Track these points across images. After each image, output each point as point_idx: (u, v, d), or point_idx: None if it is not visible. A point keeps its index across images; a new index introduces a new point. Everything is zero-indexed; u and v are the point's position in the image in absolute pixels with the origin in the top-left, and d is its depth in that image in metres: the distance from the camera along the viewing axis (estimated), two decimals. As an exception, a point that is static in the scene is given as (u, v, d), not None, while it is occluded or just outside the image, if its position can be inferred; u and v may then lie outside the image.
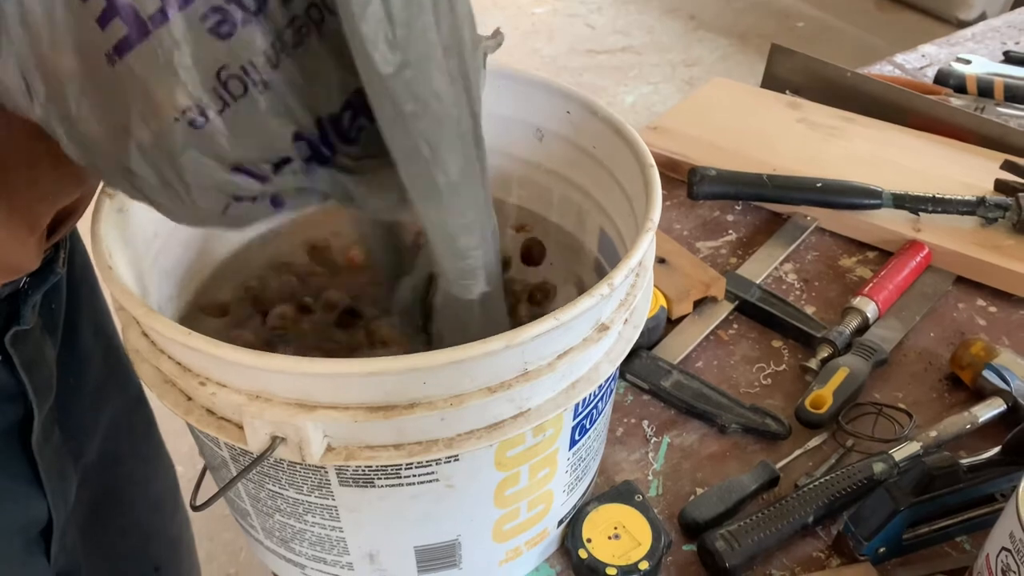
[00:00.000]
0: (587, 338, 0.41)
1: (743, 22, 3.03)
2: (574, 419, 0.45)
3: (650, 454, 0.60)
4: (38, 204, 0.45)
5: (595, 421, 0.48)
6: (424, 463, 0.40)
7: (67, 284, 0.57)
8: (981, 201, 0.74)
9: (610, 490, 0.54)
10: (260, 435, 0.38)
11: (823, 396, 0.61)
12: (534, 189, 0.60)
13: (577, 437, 0.46)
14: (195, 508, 0.44)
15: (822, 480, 0.55)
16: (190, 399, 0.41)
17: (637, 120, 2.51)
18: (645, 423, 0.62)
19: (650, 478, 0.59)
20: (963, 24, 2.78)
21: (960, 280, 0.73)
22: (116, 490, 0.67)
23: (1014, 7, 2.72)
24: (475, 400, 0.38)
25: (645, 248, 0.42)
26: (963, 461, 0.51)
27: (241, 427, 0.39)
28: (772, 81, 1.01)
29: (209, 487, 0.52)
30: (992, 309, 0.71)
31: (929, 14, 2.91)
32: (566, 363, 0.40)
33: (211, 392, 0.38)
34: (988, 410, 0.60)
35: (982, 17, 2.76)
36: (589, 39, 2.98)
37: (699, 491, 0.57)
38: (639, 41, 2.99)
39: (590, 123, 0.53)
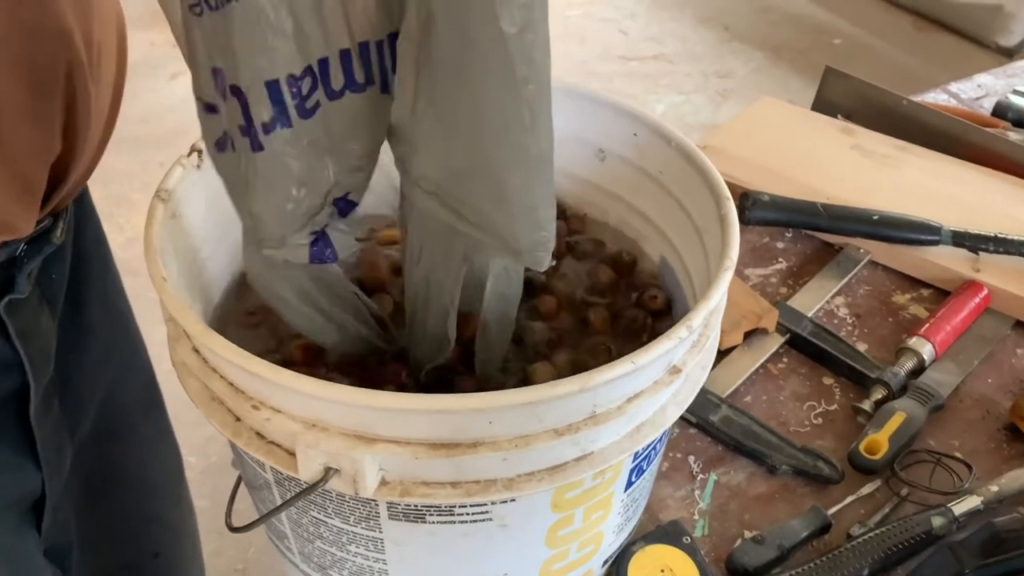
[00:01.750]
0: (658, 381, 0.39)
1: (778, 35, 2.99)
2: (633, 461, 0.43)
3: (696, 492, 0.58)
4: (35, 161, 0.44)
5: (652, 462, 0.46)
6: (480, 502, 0.38)
7: (74, 257, 0.56)
8: (1045, 244, 0.72)
9: (657, 530, 0.52)
10: (313, 465, 0.36)
11: (878, 441, 0.59)
12: (589, 211, 0.58)
13: (634, 479, 0.44)
14: (233, 530, 0.43)
15: (878, 532, 0.53)
16: (239, 420, 0.39)
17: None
18: (691, 459, 0.60)
19: (696, 517, 0.57)
20: (1002, 50, 2.74)
21: (1019, 324, 0.71)
22: (114, 468, 0.66)
23: (1056, 35, 2.68)
24: (541, 443, 0.36)
25: (724, 289, 0.40)
26: (1031, 523, 0.49)
27: (292, 454, 0.37)
28: (823, 104, 0.98)
29: (244, 502, 0.50)
30: (1052, 357, 0.69)
31: (968, 37, 2.87)
32: (635, 406, 0.38)
33: (265, 417, 0.36)
34: (1051, 466, 0.57)
35: (1023, 44, 2.72)
36: (621, 45, 2.96)
37: (747, 534, 0.55)
38: (672, 49, 2.96)
39: (659, 148, 0.51)
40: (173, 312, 0.37)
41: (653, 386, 0.38)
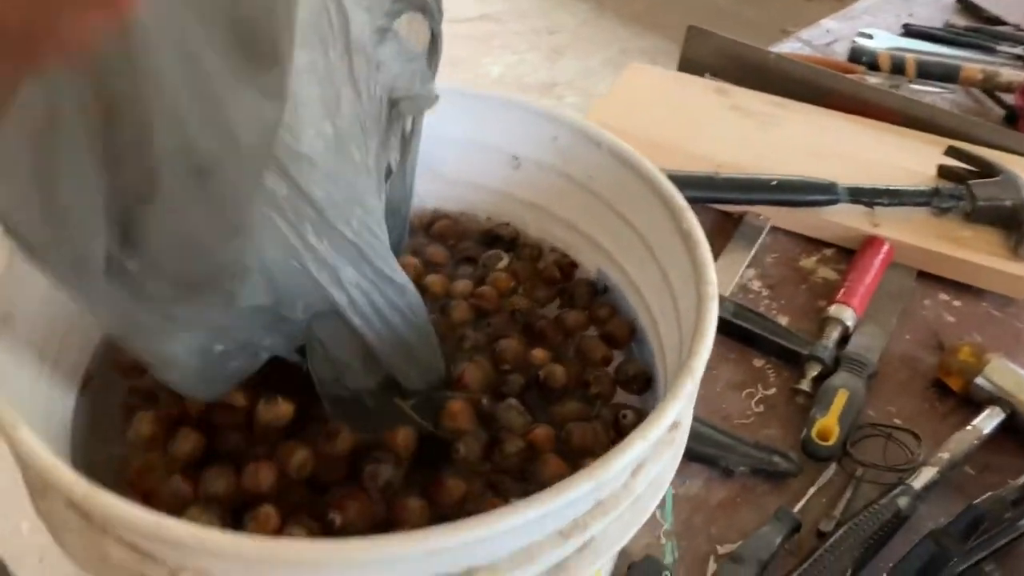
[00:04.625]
0: (660, 442, 0.33)
1: (599, -14, 2.99)
2: (625, 523, 0.37)
3: (657, 512, 0.54)
4: None
5: (636, 512, 0.41)
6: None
7: None
8: (935, 192, 0.72)
9: (632, 572, 0.48)
10: (264, 631, 0.28)
11: (828, 426, 0.57)
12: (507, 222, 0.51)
13: (623, 538, 0.39)
14: None
15: (849, 526, 0.51)
16: (146, 580, 0.30)
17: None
18: (645, 475, 0.56)
19: (662, 540, 0.52)
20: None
21: (922, 275, 0.71)
22: None
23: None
24: (544, 552, 0.30)
25: (715, 321, 0.34)
26: (1003, 494, 0.48)
27: (230, 617, 0.29)
28: (689, 64, 0.96)
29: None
30: (956, 303, 0.70)
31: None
32: (640, 480, 0.32)
33: (190, 586, 0.28)
34: (990, 421, 0.57)
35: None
36: (444, 8, 2.86)
37: (719, 549, 0.52)
38: (497, 8, 2.90)
39: (585, 151, 0.45)
40: (38, 468, 0.28)
41: (656, 451, 0.33)
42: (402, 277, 0.36)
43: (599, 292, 0.48)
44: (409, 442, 0.37)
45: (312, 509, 0.35)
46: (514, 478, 0.38)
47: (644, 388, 0.45)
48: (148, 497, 0.34)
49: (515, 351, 0.43)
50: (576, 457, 0.38)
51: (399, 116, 0.39)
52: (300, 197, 0.30)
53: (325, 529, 0.33)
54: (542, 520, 0.28)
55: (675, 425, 0.34)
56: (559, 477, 0.28)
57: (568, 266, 0.50)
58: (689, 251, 0.38)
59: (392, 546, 0.26)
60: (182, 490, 0.34)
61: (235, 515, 0.35)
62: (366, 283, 0.34)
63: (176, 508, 0.33)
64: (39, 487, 0.31)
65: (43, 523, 0.33)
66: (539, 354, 0.44)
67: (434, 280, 0.46)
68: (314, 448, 0.36)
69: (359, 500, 0.34)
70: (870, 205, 0.73)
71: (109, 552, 0.29)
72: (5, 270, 0.35)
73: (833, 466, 0.56)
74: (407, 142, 0.42)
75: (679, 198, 0.40)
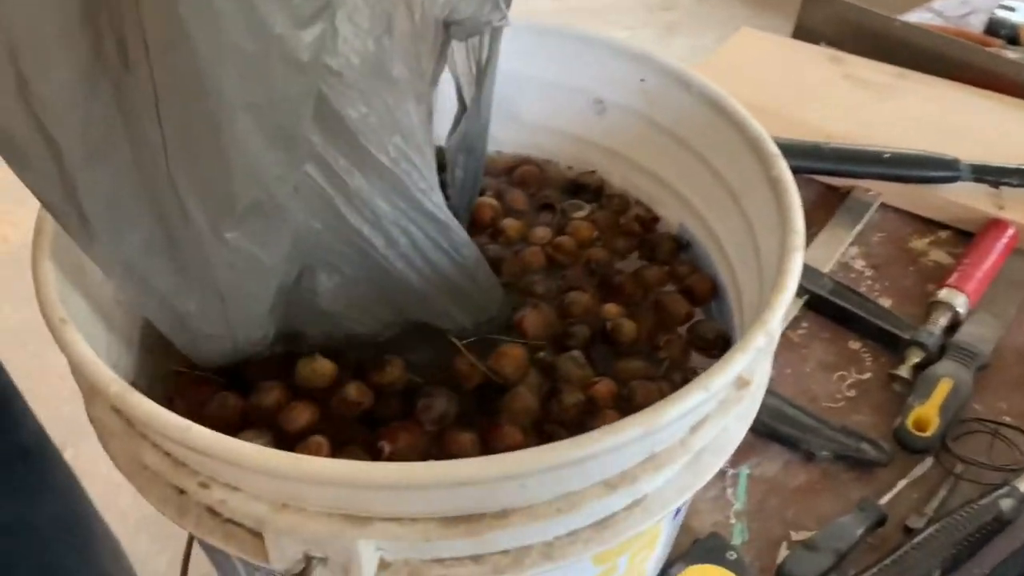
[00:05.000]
0: (726, 399, 0.30)
1: (719, -37, 2.89)
2: (685, 488, 0.35)
3: (728, 490, 0.51)
4: None
5: (699, 481, 0.38)
6: (511, 576, 0.30)
7: None
8: (1072, 173, 0.65)
9: (695, 547, 0.45)
10: (289, 553, 0.27)
11: (927, 415, 0.52)
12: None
13: (682, 505, 0.36)
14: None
15: (941, 524, 0.46)
16: (183, 493, 0.30)
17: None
18: (719, 451, 0.52)
19: (732, 520, 0.49)
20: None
21: (1050, 265, 0.64)
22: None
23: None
24: (588, 502, 0.27)
25: (798, 274, 0.31)
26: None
27: (259, 536, 0.28)
28: (804, 33, 0.90)
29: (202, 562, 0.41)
30: (1089, 298, 0.63)
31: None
32: (700, 437, 0.29)
33: (219, 498, 0.27)
34: (1117, 427, 0.51)
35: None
36: (560, -18, 2.82)
37: (793, 535, 0.48)
38: (612, -17, 2.84)
39: (674, 95, 0.42)
40: (82, 367, 0.28)
41: (720, 408, 0.30)
42: (446, 215, 0.34)
43: (682, 247, 0.45)
44: (475, 375, 0.35)
45: (365, 442, 0.34)
46: (570, 431, 0.36)
47: (722, 351, 0.42)
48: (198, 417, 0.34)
49: (584, 305, 0.40)
50: (638, 415, 0.36)
51: (473, 46, 0.37)
52: (331, 117, 0.29)
53: (374, 458, 0.32)
54: (584, 464, 0.26)
55: (743, 382, 0.31)
56: (616, 432, 0.26)
57: (650, 221, 0.47)
58: (777, 198, 0.34)
59: (417, 474, 0.24)
60: (231, 404, 0.34)
61: (288, 447, 0.34)
62: (404, 220, 0.32)
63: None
64: (87, 391, 0.31)
65: (93, 429, 0.33)
66: (612, 308, 0.41)
67: (511, 224, 0.44)
68: (366, 379, 0.35)
69: (411, 432, 0.33)
70: (996, 185, 0.67)
71: (146, 458, 0.29)
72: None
73: (929, 460, 0.52)
74: (482, 74, 0.40)
75: (770, 144, 0.37)
